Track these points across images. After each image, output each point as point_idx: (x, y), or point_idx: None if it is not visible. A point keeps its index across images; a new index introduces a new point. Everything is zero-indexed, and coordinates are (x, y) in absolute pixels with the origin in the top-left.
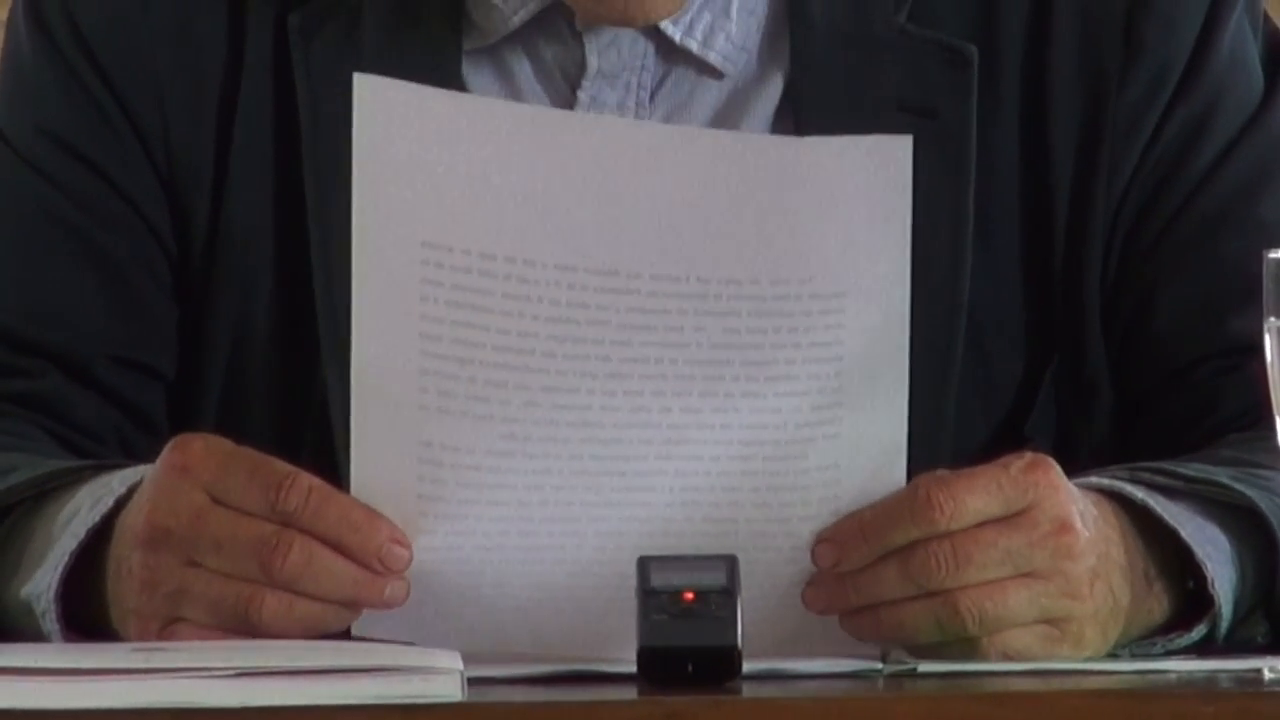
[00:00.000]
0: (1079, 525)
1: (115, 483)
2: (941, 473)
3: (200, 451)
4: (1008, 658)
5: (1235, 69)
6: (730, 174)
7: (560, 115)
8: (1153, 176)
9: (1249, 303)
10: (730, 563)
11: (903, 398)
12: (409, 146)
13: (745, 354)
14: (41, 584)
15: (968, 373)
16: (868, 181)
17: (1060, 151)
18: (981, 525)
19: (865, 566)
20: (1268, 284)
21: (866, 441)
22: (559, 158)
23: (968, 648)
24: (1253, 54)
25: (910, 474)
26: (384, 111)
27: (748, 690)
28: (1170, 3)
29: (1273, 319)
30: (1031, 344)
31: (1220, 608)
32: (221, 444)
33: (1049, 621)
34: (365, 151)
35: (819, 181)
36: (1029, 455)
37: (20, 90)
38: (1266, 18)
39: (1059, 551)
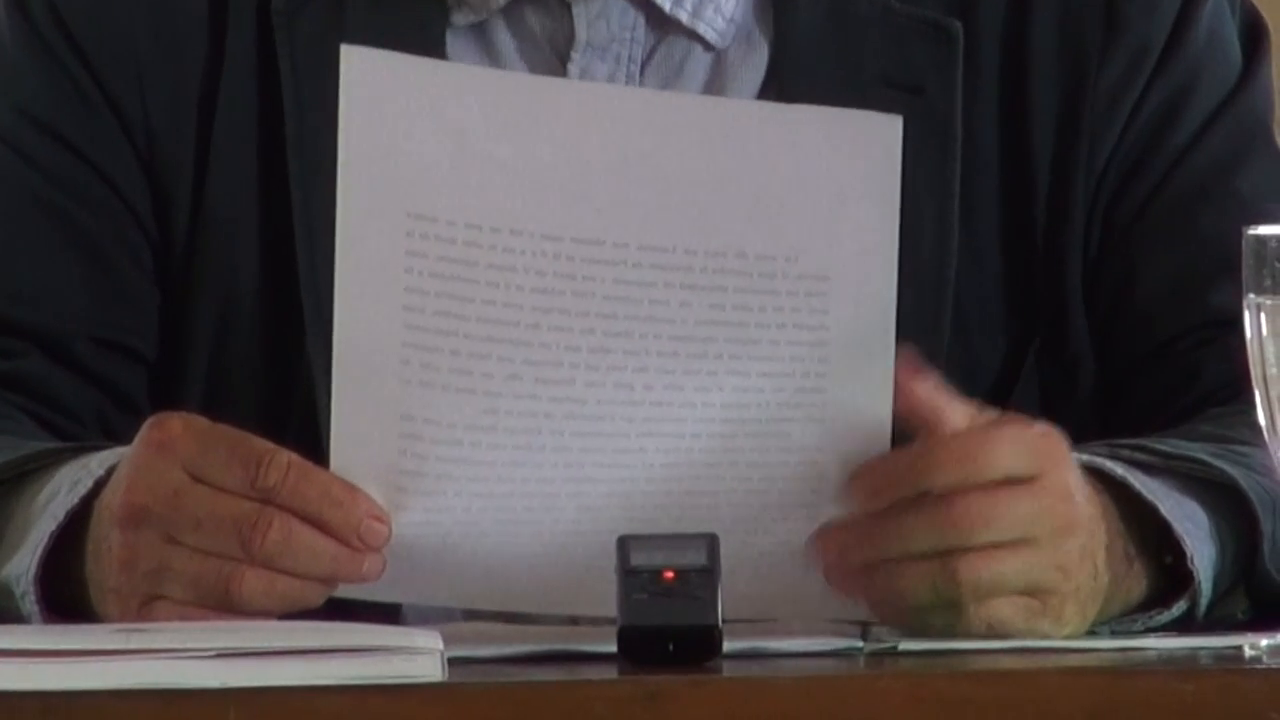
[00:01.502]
0: (1079, 501)
1: (94, 464)
2: (975, 418)
3: (178, 429)
4: (990, 628)
5: (1213, 47)
6: (718, 141)
7: (549, 82)
8: (1131, 154)
9: (1228, 277)
10: (710, 541)
11: (888, 380)
12: (396, 117)
13: (730, 331)
14: (20, 566)
15: (950, 351)
16: (857, 159)
17: (1040, 128)
18: (1002, 484)
19: (888, 513)
20: (1247, 260)
21: (850, 423)
22: (547, 125)
23: (951, 615)
24: (1230, 32)
25: None
26: (371, 82)
27: (728, 669)
28: None
29: (1252, 295)
30: (1013, 322)
31: (1200, 584)
32: (199, 422)
33: (1034, 594)
34: (352, 122)
35: (807, 153)
36: (1041, 424)
37: (1, 75)
38: None
39: (1058, 524)
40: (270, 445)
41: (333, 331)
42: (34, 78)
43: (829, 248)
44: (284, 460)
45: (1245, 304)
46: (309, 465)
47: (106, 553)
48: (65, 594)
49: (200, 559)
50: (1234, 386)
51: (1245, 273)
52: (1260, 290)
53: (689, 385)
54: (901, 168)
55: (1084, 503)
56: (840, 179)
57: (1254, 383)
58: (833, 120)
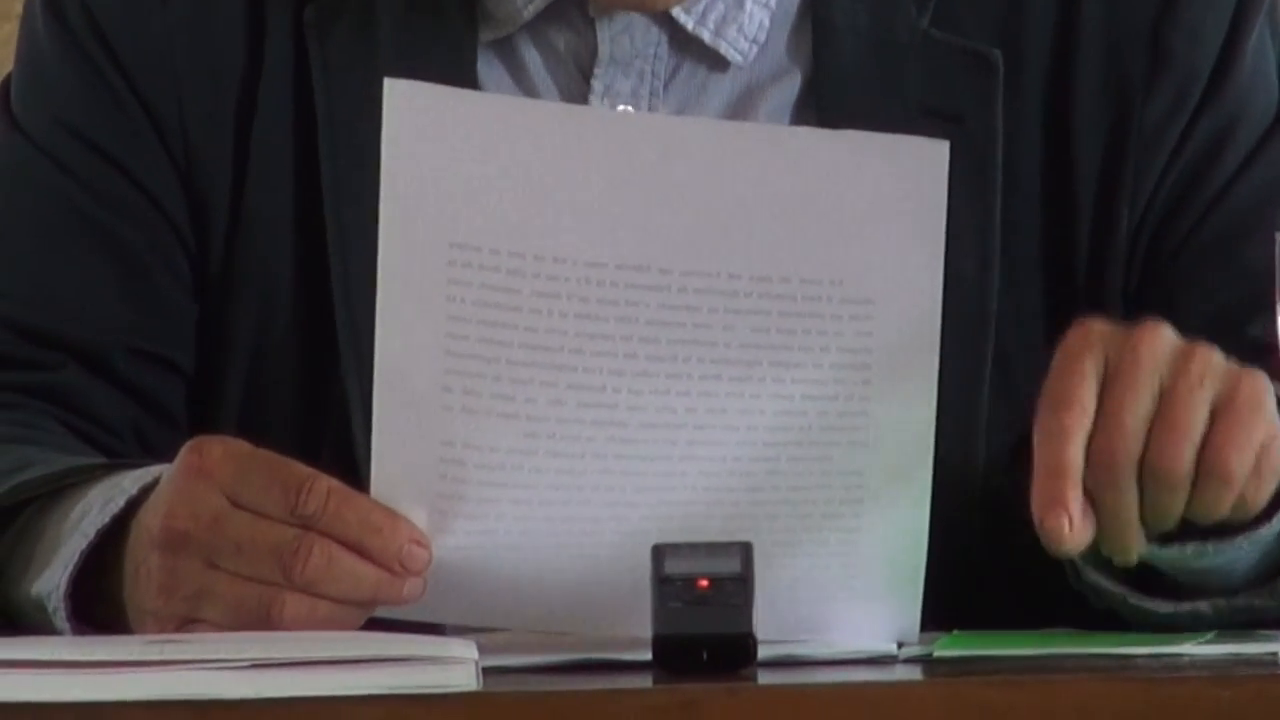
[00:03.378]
0: None
1: (127, 482)
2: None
3: (218, 454)
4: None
5: (1256, 80)
6: (763, 166)
7: (591, 112)
8: (1176, 188)
9: (1267, 310)
10: (745, 549)
11: (931, 402)
12: (439, 148)
13: (774, 354)
14: (51, 583)
15: (990, 379)
16: (903, 184)
17: (1084, 159)
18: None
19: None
20: None
21: (893, 445)
22: (589, 154)
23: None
24: (1271, 64)
25: (939, 484)
26: (414, 114)
27: (763, 677)
28: (1196, 13)
29: None
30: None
31: None
32: (240, 446)
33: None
34: (395, 155)
35: (852, 179)
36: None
37: (38, 83)
38: None
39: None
40: (310, 471)
41: (363, 347)
42: (71, 87)
43: (875, 272)
44: (324, 487)
45: (1278, 309)
46: (350, 491)
47: (145, 576)
48: (100, 612)
49: (241, 584)
50: None
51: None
52: None
53: (732, 408)
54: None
55: None
56: (886, 204)
57: None
58: (879, 146)
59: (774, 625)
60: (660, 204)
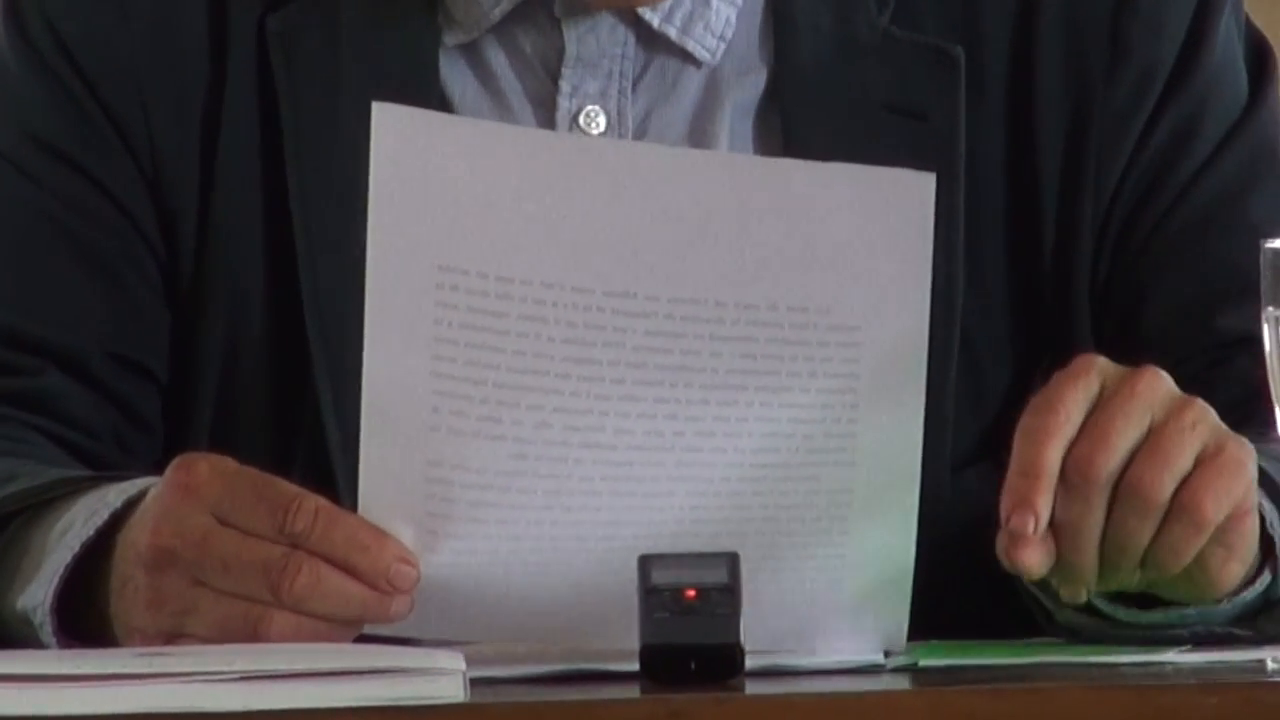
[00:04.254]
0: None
1: (111, 496)
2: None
3: (205, 472)
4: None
5: (1223, 72)
6: (748, 197)
7: (579, 140)
8: (1143, 179)
9: (1237, 301)
10: (731, 560)
11: (918, 423)
12: (427, 173)
13: (761, 380)
14: (36, 597)
15: (958, 377)
16: (890, 216)
17: (1046, 153)
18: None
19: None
20: (1265, 273)
21: (879, 465)
22: (577, 182)
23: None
24: (1238, 56)
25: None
26: (402, 139)
27: (750, 687)
28: (1156, 4)
29: (1271, 308)
30: (1019, 346)
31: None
32: (227, 464)
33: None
34: (382, 179)
35: (840, 209)
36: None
37: (4, 100)
38: (1247, 19)
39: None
40: (298, 489)
41: (334, 354)
42: (36, 100)
43: (861, 300)
44: (312, 505)
45: (1264, 317)
46: (337, 510)
47: (132, 593)
48: (87, 623)
49: (228, 602)
50: (1245, 408)
51: (1265, 285)
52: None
53: (719, 431)
54: None
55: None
56: (874, 234)
57: (1274, 398)
58: (866, 177)
59: (761, 635)
60: (648, 231)
